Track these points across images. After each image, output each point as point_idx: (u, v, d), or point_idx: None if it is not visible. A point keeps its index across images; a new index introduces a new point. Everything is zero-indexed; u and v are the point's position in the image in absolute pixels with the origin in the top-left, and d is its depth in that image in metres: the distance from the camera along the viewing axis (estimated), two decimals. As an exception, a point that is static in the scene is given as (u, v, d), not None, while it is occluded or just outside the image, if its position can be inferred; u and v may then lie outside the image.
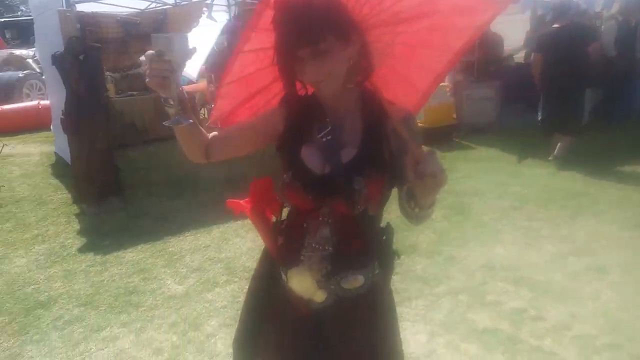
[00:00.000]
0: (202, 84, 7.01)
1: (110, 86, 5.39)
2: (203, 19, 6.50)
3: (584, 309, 2.68)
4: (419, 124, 3.46)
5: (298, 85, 1.20)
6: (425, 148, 1.04)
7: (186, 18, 5.92)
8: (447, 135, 6.29)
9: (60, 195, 4.89)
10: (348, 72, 1.14)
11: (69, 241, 3.87)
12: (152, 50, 1.06)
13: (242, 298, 1.47)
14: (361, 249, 1.22)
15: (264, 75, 1.29)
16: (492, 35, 6.74)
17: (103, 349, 2.56)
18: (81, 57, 4.19)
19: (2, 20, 16.84)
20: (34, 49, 10.63)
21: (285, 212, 1.34)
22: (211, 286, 3.11)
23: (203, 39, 6.02)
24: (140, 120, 5.27)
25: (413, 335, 2.50)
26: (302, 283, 1.23)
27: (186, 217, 4.18)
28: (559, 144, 5.29)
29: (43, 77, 8.29)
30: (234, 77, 1.30)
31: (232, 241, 3.73)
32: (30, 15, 9.29)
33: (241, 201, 1.35)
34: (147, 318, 2.81)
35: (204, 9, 6.59)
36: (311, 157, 1.18)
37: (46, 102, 7.51)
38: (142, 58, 1.08)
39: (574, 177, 4.77)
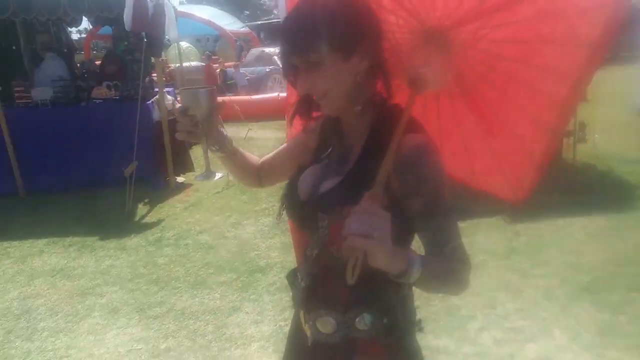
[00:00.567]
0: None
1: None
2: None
3: None
4: None
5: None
6: (368, 196, 0.80)
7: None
8: None
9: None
10: (354, 89, 0.94)
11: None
12: (181, 104, 1.10)
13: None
14: (341, 292, 0.99)
15: None
16: None
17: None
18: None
19: (259, 22, 19.81)
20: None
21: None
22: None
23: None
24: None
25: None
26: (297, 315, 1.14)
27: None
28: None
29: (285, 72, 9.56)
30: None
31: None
32: (279, 19, 10.71)
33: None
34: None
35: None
36: (304, 180, 1.05)
37: (284, 94, 8.55)
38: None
39: None
